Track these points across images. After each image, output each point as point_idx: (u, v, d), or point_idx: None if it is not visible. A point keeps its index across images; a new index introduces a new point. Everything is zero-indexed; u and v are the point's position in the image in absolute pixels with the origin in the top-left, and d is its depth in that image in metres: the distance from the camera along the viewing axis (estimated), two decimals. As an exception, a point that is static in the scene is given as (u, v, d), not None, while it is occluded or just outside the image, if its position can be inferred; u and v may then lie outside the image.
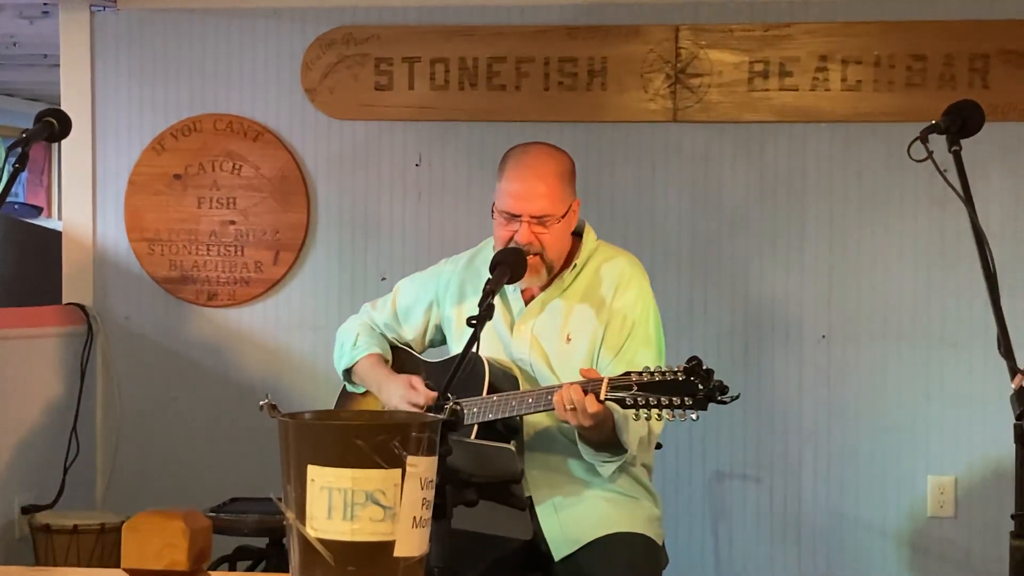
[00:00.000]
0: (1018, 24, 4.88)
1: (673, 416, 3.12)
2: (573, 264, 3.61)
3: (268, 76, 5.32)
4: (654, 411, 3.13)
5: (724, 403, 3.10)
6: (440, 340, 3.88)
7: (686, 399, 3.09)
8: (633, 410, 3.16)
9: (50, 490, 5.07)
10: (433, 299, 3.82)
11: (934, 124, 2.99)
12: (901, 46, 4.94)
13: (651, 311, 3.61)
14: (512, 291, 3.65)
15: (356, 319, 3.95)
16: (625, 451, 3.39)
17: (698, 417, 3.11)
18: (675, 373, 3.10)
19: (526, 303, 3.65)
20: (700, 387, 3.07)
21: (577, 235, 3.68)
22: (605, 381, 3.18)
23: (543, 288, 3.63)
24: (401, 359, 3.86)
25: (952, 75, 4.91)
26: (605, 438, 3.37)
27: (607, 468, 3.47)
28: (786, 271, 5.04)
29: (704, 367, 3.09)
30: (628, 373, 3.18)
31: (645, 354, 3.50)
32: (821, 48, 4.98)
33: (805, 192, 5.03)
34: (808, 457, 5.03)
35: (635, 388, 3.13)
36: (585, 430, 3.34)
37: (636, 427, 3.34)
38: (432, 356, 3.86)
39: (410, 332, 3.86)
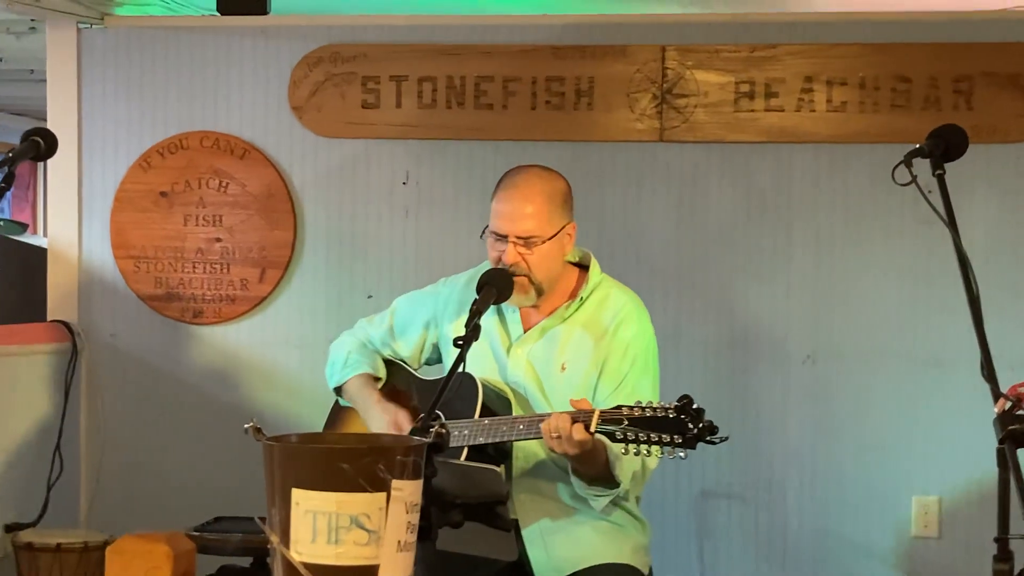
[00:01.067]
0: (1002, 47, 4.90)
1: (662, 453, 3.13)
2: (579, 296, 3.62)
3: (255, 94, 5.32)
4: (643, 447, 3.13)
5: (713, 443, 3.11)
6: (436, 359, 3.88)
7: (675, 437, 3.10)
8: (622, 444, 3.16)
9: (33, 508, 5.05)
10: (430, 318, 3.82)
11: (918, 148, 3.00)
12: (886, 68, 4.96)
13: (652, 348, 3.62)
14: (511, 315, 3.66)
15: (350, 335, 3.95)
16: (618, 485, 3.40)
17: (686, 456, 3.12)
18: (666, 410, 3.11)
19: (526, 329, 3.65)
20: (690, 426, 3.08)
21: (583, 267, 3.69)
22: (596, 413, 3.19)
23: (546, 316, 3.63)
24: (396, 375, 3.86)
25: (937, 97, 4.92)
26: (598, 472, 3.38)
27: (599, 502, 3.47)
28: (771, 291, 5.05)
29: (695, 406, 3.10)
30: (620, 407, 3.18)
31: (645, 389, 3.51)
32: (806, 69, 5.00)
33: (790, 212, 5.04)
34: (793, 476, 5.03)
35: (625, 422, 3.14)
36: (576, 462, 3.34)
37: (630, 462, 3.34)
38: (427, 373, 3.86)
39: (405, 349, 3.86)
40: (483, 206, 3.68)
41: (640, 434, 3.11)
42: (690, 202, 5.09)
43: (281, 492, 2.22)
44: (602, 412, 3.18)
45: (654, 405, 3.13)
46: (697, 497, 5.08)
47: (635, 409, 3.14)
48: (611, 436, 3.16)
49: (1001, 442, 2.54)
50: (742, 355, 5.05)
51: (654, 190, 5.11)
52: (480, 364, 3.56)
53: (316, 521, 2.18)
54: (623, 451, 3.17)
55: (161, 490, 5.29)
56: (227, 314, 5.32)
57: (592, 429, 3.17)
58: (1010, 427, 2.53)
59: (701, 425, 3.08)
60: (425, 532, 2.69)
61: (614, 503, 3.53)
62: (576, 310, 3.62)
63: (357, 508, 2.18)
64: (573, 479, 3.43)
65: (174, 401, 5.34)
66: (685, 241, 5.09)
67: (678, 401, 3.10)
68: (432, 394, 3.22)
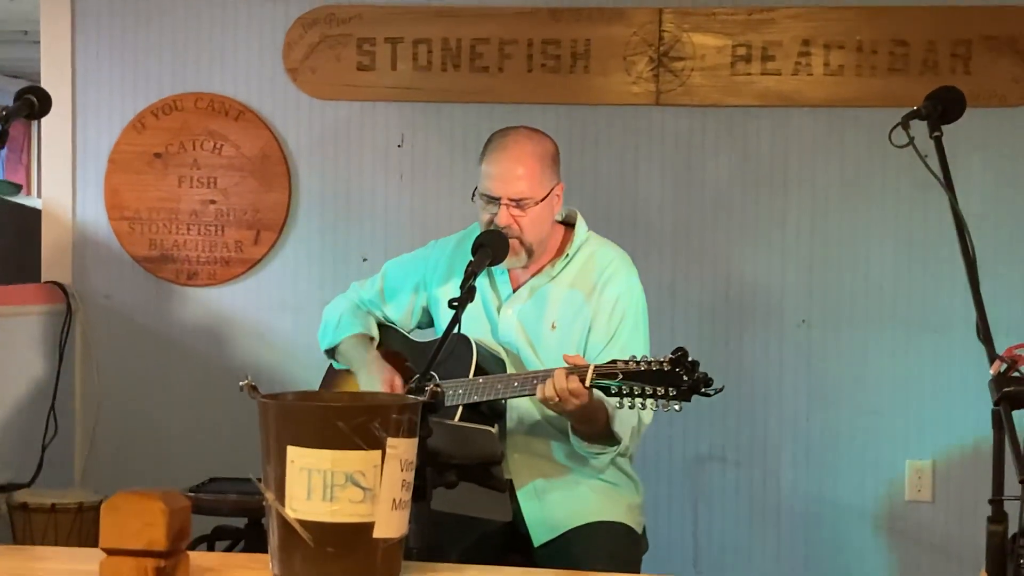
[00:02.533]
0: (1000, 10, 4.89)
1: (656, 406, 3.13)
2: (565, 253, 3.62)
3: (250, 55, 5.30)
4: (638, 400, 3.13)
5: (708, 395, 3.11)
6: (427, 322, 3.88)
7: (670, 389, 3.09)
8: (617, 398, 3.17)
9: (28, 469, 5.05)
10: (420, 281, 3.82)
11: (915, 110, 2.99)
12: (884, 31, 4.94)
13: (641, 302, 3.62)
14: (500, 275, 3.66)
15: (343, 298, 3.94)
16: (618, 442, 3.40)
17: (681, 408, 3.12)
18: (660, 363, 3.11)
19: (515, 289, 3.65)
20: (685, 378, 3.08)
21: (569, 225, 3.69)
22: (591, 368, 3.18)
23: (533, 275, 3.63)
24: (389, 337, 3.85)
25: (934, 61, 4.91)
26: (598, 430, 3.38)
27: (601, 460, 3.48)
28: (767, 255, 5.04)
29: (689, 358, 3.10)
30: (614, 361, 3.18)
31: (636, 344, 3.51)
32: (804, 33, 4.98)
33: (787, 176, 5.04)
34: (787, 441, 5.04)
35: (620, 376, 3.14)
36: (575, 420, 3.35)
37: (627, 417, 3.34)
38: (420, 336, 3.86)
39: (396, 313, 3.86)
40: (478, 169, 3.67)
41: (635, 387, 3.11)
42: (686, 165, 5.08)
43: (276, 450, 2.22)
44: (597, 367, 3.18)
45: (648, 359, 3.12)
46: (691, 461, 5.09)
47: (630, 363, 3.14)
48: (606, 390, 3.16)
49: (996, 403, 2.53)
50: (737, 319, 5.05)
51: (650, 153, 5.10)
52: (471, 325, 3.56)
53: (311, 478, 2.18)
54: (618, 405, 3.17)
55: (155, 451, 5.30)
56: (221, 276, 5.31)
57: (587, 384, 3.17)
58: (1005, 389, 2.52)
59: (696, 377, 3.08)
60: (420, 492, 2.69)
61: (612, 460, 3.54)
62: (564, 268, 3.62)
63: (352, 466, 2.18)
64: (573, 439, 3.43)
65: (168, 363, 5.34)
66: (680, 205, 5.08)
67: (672, 354, 3.09)
68: (425, 356, 3.22)
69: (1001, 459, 2.55)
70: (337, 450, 2.18)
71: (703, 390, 3.10)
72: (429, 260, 3.83)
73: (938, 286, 4.92)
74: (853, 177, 5.00)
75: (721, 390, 3.10)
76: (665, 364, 3.10)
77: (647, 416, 3.45)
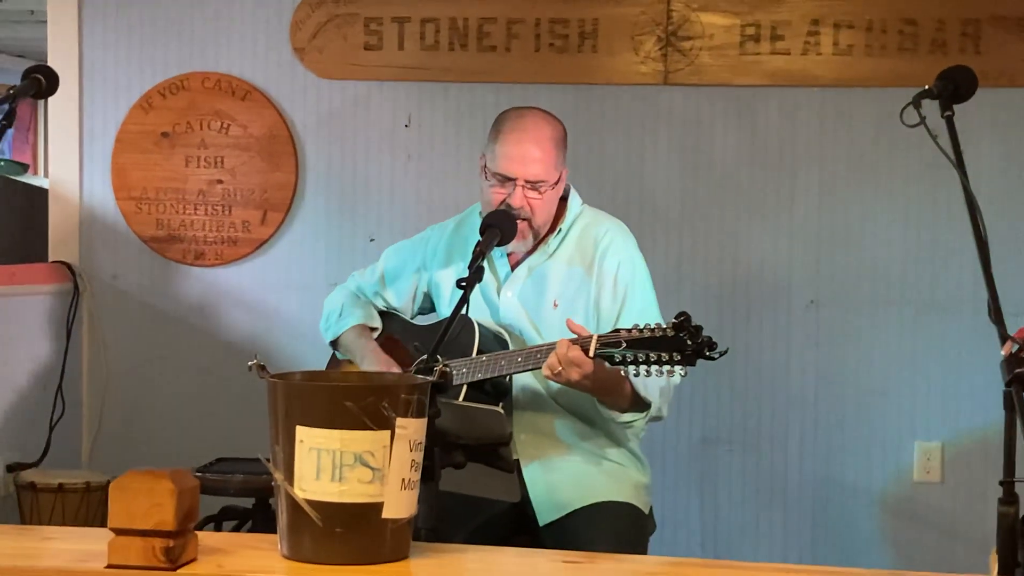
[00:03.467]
0: (1011, -10, 4.87)
1: (662, 372, 3.11)
2: (558, 229, 3.61)
3: (257, 35, 5.28)
4: (643, 367, 3.12)
5: (713, 359, 3.10)
6: (428, 307, 3.87)
7: (675, 355, 3.08)
8: (622, 367, 3.15)
9: (35, 448, 5.05)
10: (420, 265, 3.81)
11: (927, 89, 2.97)
12: (893, 11, 4.92)
13: (641, 267, 3.61)
14: (499, 256, 3.65)
15: (342, 288, 3.94)
16: (648, 405, 3.38)
17: (686, 373, 3.11)
18: (664, 329, 3.10)
19: (512, 268, 3.64)
20: (689, 342, 3.07)
21: (562, 199, 3.67)
22: (594, 338, 3.17)
23: (529, 253, 3.62)
24: (391, 323, 3.85)
25: (944, 40, 4.89)
26: (624, 398, 3.36)
27: (637, 426, 3.46)
28: (775, 235, 5.03)
29: (693, 323, 3.08)
30: (617, 330, 3.17)
31: (647, 309, 3.50)
32: (813, 12, 4.96)
33: (795, 156, 5.02)
34: (795, 422, 5.03)
35: (624, 344, 3.12)
36: (594, 393, 3.33)
37: (653, 379, 3.31)
38: (422, 320, 3.85)
39: (397, 299, 3.85)
40: (488, 147, 3.64)
41: (639, 355, 3.10)
42: (694, 146, 5.07)
43: (285, 430, 2.21)
44: (600, 336, 3.16)
45: (651, 325, 3.11)
46: (698, 442, 5.08)
47: (632, 331, 3.12)
48: (610, 359, 3.15)
49: (1008, 384, 2.51)
50: (744, 300, 5.04)
51: (658, 134, 5.08)
52: (472, 309, 3.55)
53: (320, 459, 2.17)
54: (623, 373, 3.16)
55: (162, 431, 5.30)
56: (228, 256, 5.30)
57: (591, 354, 3.16)
58: (1017, 370, 2.51)
59: (700, 340, 3.07)
60: (428, 473, 2.68)
61: (618, 440, 3.53)
62: (559, 244, 3.61)
63: (361, 446, 2.17)
64: (607, 413, 3.42)
65: (175, 343, 5.33)
66: (688, 185, 5.07)
67: (676, 318, 3.08)
68: (429, 339, 3.21)
69: (1012, 440, 2.54)
70: (346, 430, 2.17)
71: (708, 353, 3.08)
72: (428, 244, 3.82)
73: (947, 267, 4.91)
74: (861, 157, 4.98)
75: (726, 352, 3.09)
76: (668, 330, 3.09)
77: (676, 377, 3.43)
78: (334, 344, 3.86)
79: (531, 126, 3.55)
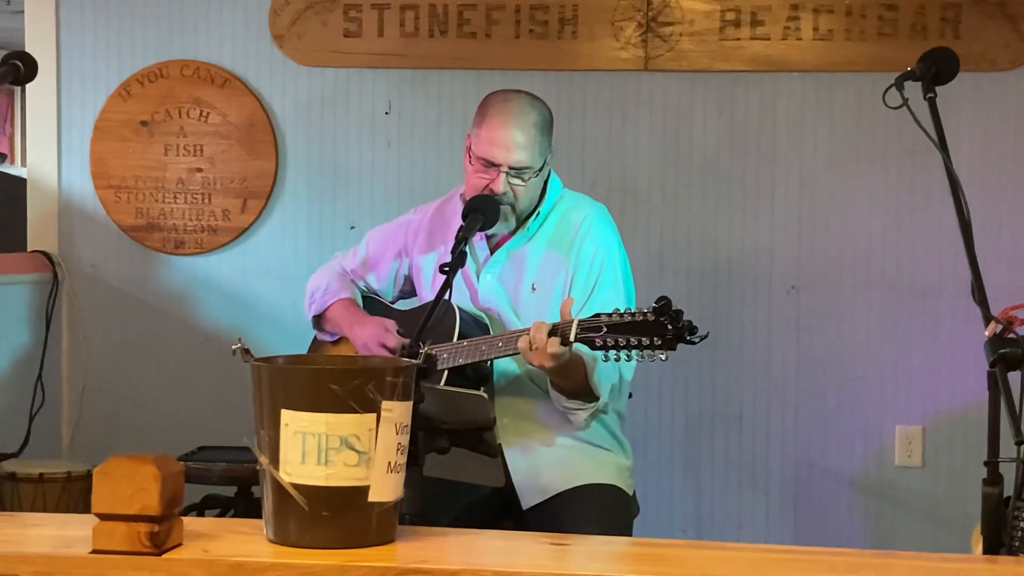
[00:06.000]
0: (990, -26, 4.87)
1: (643, 357, 3.11)
2: (537, 212, 3.60)
3: (236, 22, 5.26)
4: (623, 352, 3.11)
5: (693, 343, 3.10)
6: (410, 291, 3.86)
7: (655, 339, 3.08)
8: (603, 351, 3.15)
9: (15, 438, 5.04)
10: (401, 248, 3.80)
11: (909, 71, 2.98)
12: (873, -5, 4.93)
13: (619, 255, 3.60)
14: (478, 240, 3.64)
15: (327, 267, 3.93)
16: (597, 398, 3.39)
17: (667, 358, 3.10)
18: (644, 314, 3.09)
19: (491, 252, 3.63)
20: (669, 327, 3.06)
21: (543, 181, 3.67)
22: (575, 322, 3.17)
23: (508, 236, 3.61)
24: (371, 308, 3.84)
25: (924, 24, 4.90)
26: (577, 385, 3.37)
27: (579, 416, 3.46)
28: (756, 221, 5.03)
29: (673, 307, 3.08)
30: (598, 314, 3.17)
31: (616, 297, 3.49)
32: (793, -3, 4.97)
33: (776, 141, 5.03)
34: (776, 407, 5.04)
35: (604, 329, 3.12)
36: (554, 375, 3.33)
37: (607, 373, 3.33)
38: (403, 305, 3.84)
39: (378, 282, 3.84)
40: (471, 130, 3.64)
41: (620, 339, 3.09)
42: (675, 131, 5.07)
43: (270, 413, 2.20)
44: (580, 321, 3.16)
45: (632, 310, 3.11)
46: (681, 426, 5.09)
47: (613, 315, 3.12)
48: (591, 343, 3.14)
49: (992, 365, 2.53)
50: (726, 285, 5.05)
51: (638, 119, 5.08)
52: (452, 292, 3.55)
53: (306, 442, 2.16)
54: (604, 358, 3.16)
55: (143, 420, 5.28)
56: (208, 244, 5.28)
57: (572, 338, 3.15)
58: (1001, 350, 2.52)
59: (680, 325, 3.06)
60: (412, 458, 2.67)
61: (600, 423, 3.53)
62: (538, 227, 3.60)
63: (347, 429, 2.16)
64: (553, 394, 3.42)
65: (155, 332, 5.32)
66: (669, 171, 5.07)
67: (656, 303, 3.07)
68: (410, 324, 3.21)
69: (997, 421, 2.55)
70: (332, 413, 2.16)
71: (688, 338, 3.08)
72: (410, 227, 3.81)
73: (927, 251, 4.92)
74: (842, 142, 4.99)
75: (706, 336, 3.09)
76: (649, 314, 3.08)
77: (628, 372, 3.43)
78: (318, 320, 3.84)
79: (517, 111, 3.53)
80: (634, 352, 3.10)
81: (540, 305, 3.52)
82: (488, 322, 3.58)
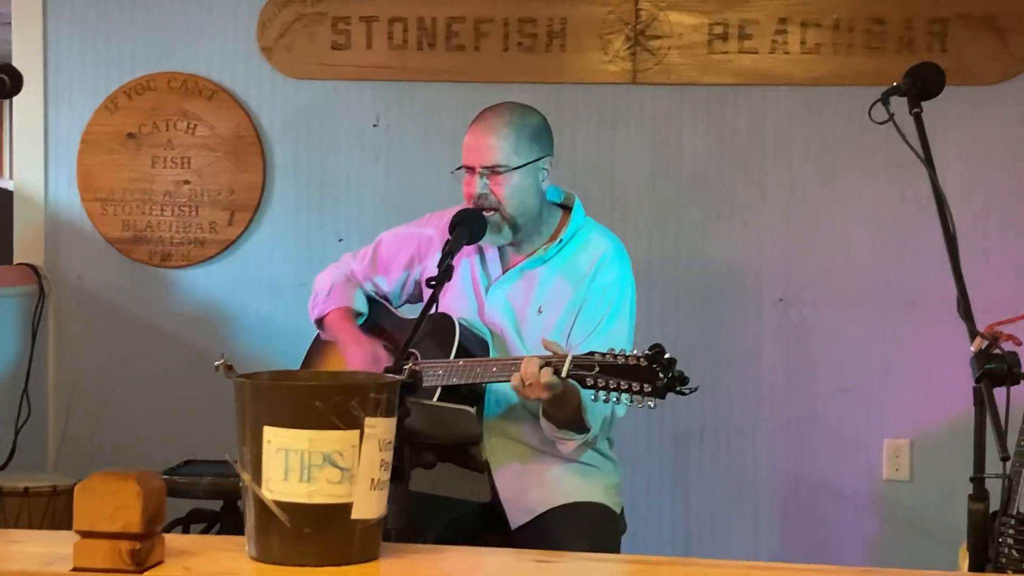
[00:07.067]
0: (978, -12, 4.88)
1: (631, 401, 3.10)
2: (559, 239, 3.58)
3: (224, 34, 5.25)
4: (613, 394, 3.10)
5: (683, 394, 3.09)
6: (418, 297, 3.82)
7: (645, 386, 3.07)
8: (592, 391, 3.14)
9: (1, 452, 5.01)
10: (415, 254, 3.77)
11: (895, 86, 2.98)
12: (860, 9, 4.93)
13: (630, 295, 3.59)
14: (491, 255, 3.62)
15: (335, 267, 3.89)
16: (587, 430, 3.38)
17: (655, 405, 3.09)
18: (637, 358, 3.08)
19: (505, 270, 3.62)
20: (661, 375, 3.05)
21: (567, 208, 3.66)
22: (568, 358, 3.16)
23: (527, 257, 3.60)
24: (376, 312, 3.82)
25: (911, 39, 4.90)
26: (569, 416, 3.36)
27: (568, 446, 3.45)
28: (744, 233, 5.03)
29: (666, 355, 3.07)
30: (592, 353, 3.15)
31: (620, 335, 3.48)
32: (780, 11, 4.96)
33: (764, 155, 5.03)
34: (765, 420, 5.03)
35: (597, 368, 3.11)
36: (547, 405, 3.32)
37: (600, 407, 3.32)
38: (408, 312, 3.81)
39: (387, 285, 3.81)
40: (454, 149, 3.65)
41: (611, 381, 3.08)
42: (663, 144, 5.06)
43: (252, 430, 2.19)
44: (575, 357, 3.15)
45: (626, 353, 3.10)
46: (669, 440, 5.08)
47: (607, 356, 3.11)
48: (582, 381, 3.13)
49: (978, 381, 2.52)
50: (715, 298, 5.04)
51: (627, 133, 5.08)
52: (459, 303, 3.54)
53: (288, 459, 2.15)
54: (593, 398, 3.15)
55: (130, 434, 5.26)
56: (196, 257, 5.27)
57: (564, 374, 3.14)
58: (987, 366, 2.52)
59: (671, 375, 3.05)
60: (398, 473, 2.66)
61: (584, 444, 3.52)
62: (556, 252, 3.58)
63: (330, 446, 2.15)
64: (543, 422, 3.41)
65: (142, 345, 5.30)
66: (658, 184, 5.07)
67: (649, 350, 3.06)
68: (408, 334, 3.18)
69: (982, 437, 2.55)
70: (314, 430, 2.15)
71: (678, 389, 3.07)
72: (424, 233, 3.78)
73: (915, 265, 4.92)
74: (830, 155, 4.99)
75: (695, 390, 3.08)
76: (642, 360, 3.07)
77: (621, 409, 3.42)
78: (319, 323, 3.83)
79: (492, 116, 3.55)
80: (623, 396, 3.09)
81: (544, 329, 3.50)
82: (490, 339, 3.55)
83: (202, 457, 4.84)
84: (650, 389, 3.06)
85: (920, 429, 4.94)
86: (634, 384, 3.07)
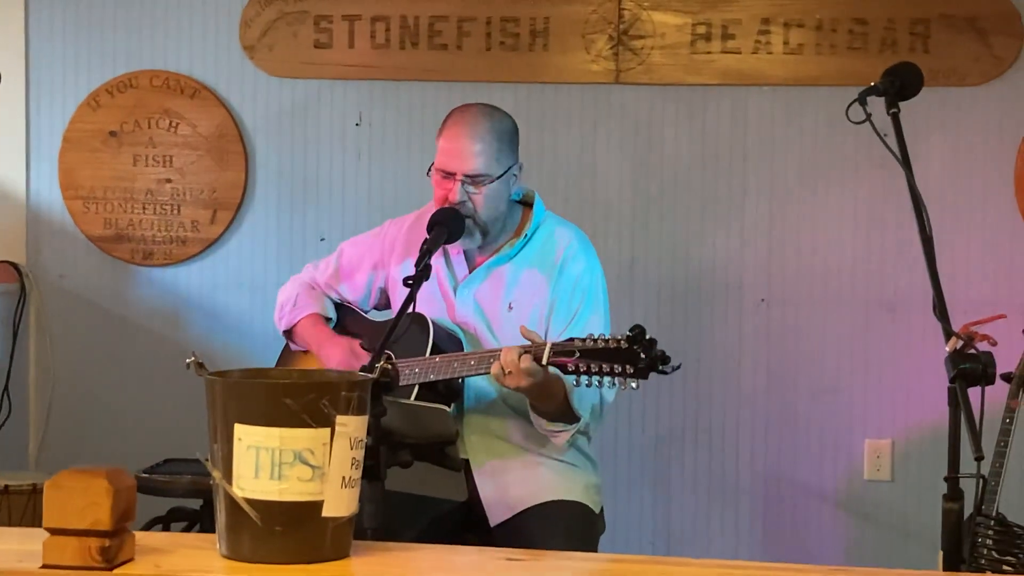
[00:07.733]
0: (960, -11, 4.88)
1: (614, 384, 3.10)
2: (523, 234, 3.58)
3: (206, 33, 5.24)
4: (595, 378, 3.11)
5: (665, 373, 3.10)
6: (384, 303, 3.82)
7: (627, 367, 3.07)
8: (574, 376, 3.14)
9: (-18, 450, 5.02)
10: (377, 260, 3.77)
11: (873, 86, 2.98)
12: (843, 10, 4.93)
13: (600, 281, 3.59)
14: (457, 256, 3.62)
15: (297, 279, 3.89)
16: (578, 419, 3.38)
17: (638, 386, 3.10)
18: (618, 341, 3.09)
19: (471, 270, 3.61)
20: (642, 356, 3.06)
21: (527, 204, 3.66)
22: (548, 345, 3.16)
23: (492, 255, 3.60)
24: (346, 317, 3.81)
25: (893, 39, 4.90)
26: (557, 407, 3.36)
27: (561, 438, 3.45)
28: (726, 234, 5.03)
29: (647, 336, 3.07)
30: (572, 339, 3.16)
31: (596, 323, 3.48)
32: (763, 11, 4.97)
33: (746, 155, 5.03)
34: (746, 420, 5.03)
35: (577, 354, 3.11)
36: (532, 397, 3.32)
37: (587, 393, 3.32)
38: (377, 316, 3.81)
39: (352, 293, 3.81)
40: (436, 145, 3.63)
41: (592, 365, 3.09)
42: (645, 144, 5.06)
43: (223, 428, 2.18)
44: (554, 344, 3.16)
45: (606, 336, 3.10)
46: (650, 440, 5.08)
47: (587, 341, 3.12)
48: (563, 368, 3.14)
49: (952, 381, 2.53)
50: (696, 299, 5.04)
51: (609, 132, 5.08)
52: (428, 306, 3.52)
53: (259, 457, 2.15)
54: (575, 383, 3.15)
55: (111, 432, 5.25)
56: (177, 255, 5.26)
57: (544, 361, 3.15)
58: (961, 366, 2.52)
59: (653, 354, 3.06)
60: (374, 472, 2.67)
61: (569, 441, 3.52)
62: (521, 248, 3.58)
63: (301, 443, 2.15)
64: (533, 417, 3.41)
65: (124, 343, 5.29)
66: (640, 184, 5.07)
67: (630, 331, 3.07)
68: (383, 335, 3.18)
69: (957, 436, 2.56)
70: (285, 428, 2.14)
71: (660, 367, 3.08)
72: (386, 239, 3.78)
73: (896, 265, 4.92)
74: (812, 156, 4.99)
75: (678, 367, 3.09)
76: (622, 342, 3.08)
77: (609, 394, 3.42)
78: (288, 334, 3.82)
79: (472, 120, 3.53)
80: (606, 379, 3.10)
81: (516, 324, 3.49)
82: (463, 337, 3.56)
83: (182, 455, 4.82)
84: (632, 370, 3.07)
85: (901, 430, 4.95)
86: (616, 366, 3.08)
